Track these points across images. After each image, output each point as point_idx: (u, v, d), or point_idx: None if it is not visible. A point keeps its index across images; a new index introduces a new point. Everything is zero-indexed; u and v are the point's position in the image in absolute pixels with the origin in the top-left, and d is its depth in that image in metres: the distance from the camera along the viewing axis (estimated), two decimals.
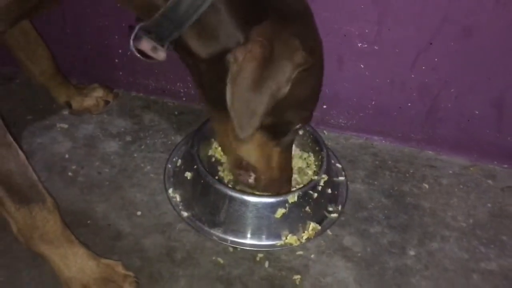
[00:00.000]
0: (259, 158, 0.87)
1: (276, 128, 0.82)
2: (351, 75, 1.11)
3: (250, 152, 0.85)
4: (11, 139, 0.72)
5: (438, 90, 1.09)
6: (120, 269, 0.82)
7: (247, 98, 0.71)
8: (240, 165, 0.90)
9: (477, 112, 1.10)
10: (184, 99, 1.26)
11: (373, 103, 1.15)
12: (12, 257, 0.85)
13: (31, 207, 0.74)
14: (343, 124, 1.20)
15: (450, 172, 1.16)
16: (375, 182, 1.11)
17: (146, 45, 0.75)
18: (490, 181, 1.14)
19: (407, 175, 1.14)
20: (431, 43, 1.02)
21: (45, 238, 0.76)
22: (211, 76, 0.76)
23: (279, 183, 0.93)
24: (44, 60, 1.05)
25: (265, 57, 0.69)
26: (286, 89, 0.72)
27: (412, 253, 0.97)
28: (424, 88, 1.09)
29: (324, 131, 1.21)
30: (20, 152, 0.73)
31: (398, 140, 1.20)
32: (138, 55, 0.77)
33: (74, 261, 0.78)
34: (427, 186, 1.12)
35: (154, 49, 0.76)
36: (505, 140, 1.13)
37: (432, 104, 1.12)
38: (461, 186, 1.12)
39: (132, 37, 0.75)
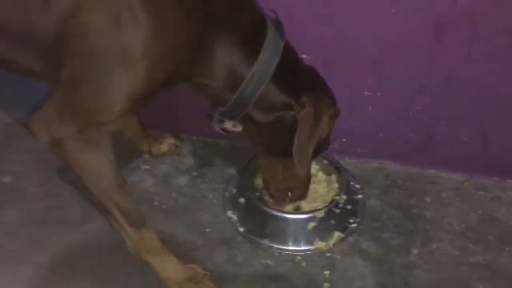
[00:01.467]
0: (298, 178, 1.21)
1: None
2: (362, 115, 1.42)
3: (293, 177, 1.20)
4: (127, 185, 1.08)
5: (432, 124, 1.38)
6: (200, 270, 1.16)
7: (305, 144, 1.07)
8: (280, 189, 1.25)
9: (466, 139, 1.38)
10: (233, 139, 1.61)
11: (381, 135, 1.45)
12: (126, 266, 1.20)
13: (141, 230, 1.09)
14: (359, 152, 1.50)
15: (449, 186, 1.43)
16: (387, 198, 1.40)
17: (228, 124, 1.11)
18: (481, 192, 1.41)
19: (413, 191, 1.42)
20: (421, 89, 1.33)
21: (150, 251, 1.11)
22: (271, 134, 1.11)
23: (303, 193, 1.28)
24: (132, 120, 1.42)
25: (315, 116, 1.05)
26: (325, 134, 1.09)
27: (415, 252, 1.26)
28: (421, 122, 1.39)
29: (345, 159, 1.51)
30: (131, 194, 1.09)
31: (405, 163, 1.48)
32: (222, 132, 1.13)
33: (169, 266, 1.13)
34: (429, 199, 1.40)
35: (234, 125, 1.12)
36: (491, 159, 1.40)
37: (429, 134, 1.41)
38: (457, 198, 1.40)
39: (216, 121, 1.12)
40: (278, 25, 1.07)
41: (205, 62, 1.02)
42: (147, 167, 1.51)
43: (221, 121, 1.12)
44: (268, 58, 1.03)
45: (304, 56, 1.31)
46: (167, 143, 1.54)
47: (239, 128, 1.12)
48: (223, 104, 1.08)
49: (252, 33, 1.03)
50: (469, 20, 1.18)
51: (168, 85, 1.03)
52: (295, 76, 1.09)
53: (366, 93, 1.37)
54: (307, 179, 1.26)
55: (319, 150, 1.16)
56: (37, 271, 1.22)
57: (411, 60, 1.28)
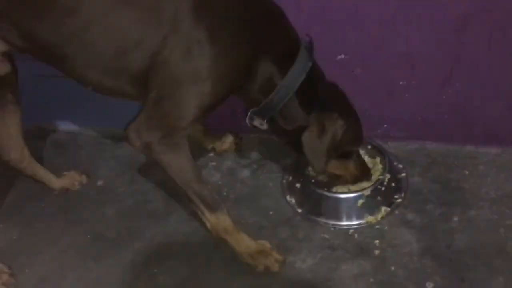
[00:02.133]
0: (344, 170, 1.42)
1: (344, 154, 1.36)
2: (400, 102, 1.58)
3: (337, 170, 1.40)
4: (203, 176, 1.32)
5: (464, 104, 1.53)
6: (268, 245, 1.38)
7: (313, 152, 1.27)
8: (333, 176, 1.47)
9: (497, 115, 1.52)
10: None
11: (419, 118, 1.61)
12: (206, 246, 1.45)
13: (217, 213, 1.32)
14: (401, 136, 1.67)
15: (485, 160, 1.57)
16: (428, 174, 1.56)
17: (257, 122, 1.32)
18: None
19: (452, 166, 1.57)
20: (451, 75, 1.48)
21: (225, 230, 1.34)
22: (294, 139, 1.30)
23: (363, 177, 1.47)
24: (199, 124, 1.67)
25: (319, 132, 1.24)
26: (338, 139, 1.26)
27: (456, 219, 1.42)
28: (454, 104, 1.54)
29: (388, 143, 1.67)
30: (207, 183, 1.32)
31: (444, 141, 1.63)
32: (252, 127, 1.34)
33: (242, 242, 1.36)
34: (467, 172, 1.55)
35: (261, 124, 1.33)
36: None
37: (463, 114, 1.56)
38: (494, 169, 1.54)
39: (248, 118, 1.33)
40: (309, 47, 1.27)
41: (251, 75, 1.26)
42: (214, 163, 1.75)
43: (251, 118, 1.33)
44: (295, 74, 1.25)
45: (342, 55, 1.52)
46: (228, 142, 1.77)
47: (264, 126, 1.33)
48: (257, 105, 1.30)
49: (286, 52, 1.25)
50: (488, 12, 1.33)
51: (228, 97, 1.26)
52: (315, 94, 1.27)
53: (401, 83, 1.54)
54: (361, 164, 1.45)
55: (349, 149, 1.35)
56: (134, 255, 1.48)
57: (438, 51, 1.44)
